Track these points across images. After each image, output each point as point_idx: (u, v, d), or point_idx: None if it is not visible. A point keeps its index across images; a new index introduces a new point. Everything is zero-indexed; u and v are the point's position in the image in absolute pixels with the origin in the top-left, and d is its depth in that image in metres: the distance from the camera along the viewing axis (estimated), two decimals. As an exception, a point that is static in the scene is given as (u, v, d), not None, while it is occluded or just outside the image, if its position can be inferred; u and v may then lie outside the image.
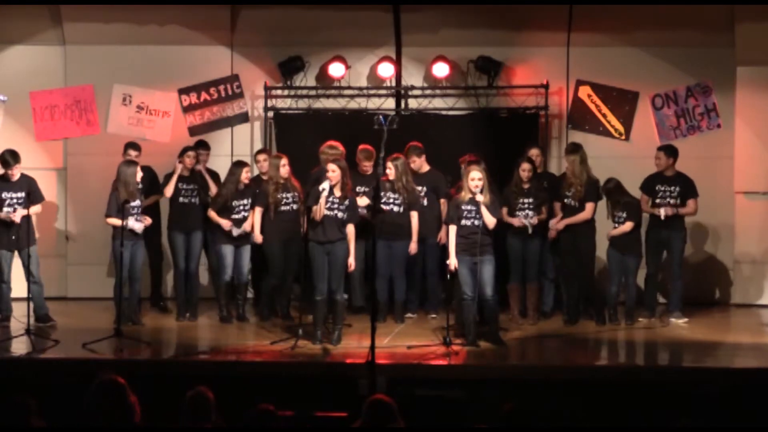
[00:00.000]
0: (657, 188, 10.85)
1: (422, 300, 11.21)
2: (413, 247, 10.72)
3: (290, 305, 10.80)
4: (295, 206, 10.49)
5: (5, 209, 10.26)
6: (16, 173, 10.38)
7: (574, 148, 10.75)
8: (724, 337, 10.32)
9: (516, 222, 10.46)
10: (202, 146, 11.44)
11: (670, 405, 8.07)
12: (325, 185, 9.47)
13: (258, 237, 10.53)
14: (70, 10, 12.18)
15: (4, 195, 10.34)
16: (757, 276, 12.08)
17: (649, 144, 11.98)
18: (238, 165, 10.75)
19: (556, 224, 10.59)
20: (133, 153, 11.00)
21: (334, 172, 9.57)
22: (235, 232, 10.54)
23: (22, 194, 10.30)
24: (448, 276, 9.55)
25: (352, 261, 9.60)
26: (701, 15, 11.92)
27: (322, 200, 9.46)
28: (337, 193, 9.56)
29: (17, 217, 10.21)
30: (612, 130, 12.28)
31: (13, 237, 10.20)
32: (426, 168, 11.05)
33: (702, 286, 12.19)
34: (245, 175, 10.63)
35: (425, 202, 10.92)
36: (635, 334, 10.37)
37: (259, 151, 11.45)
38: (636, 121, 12.30)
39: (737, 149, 12.10)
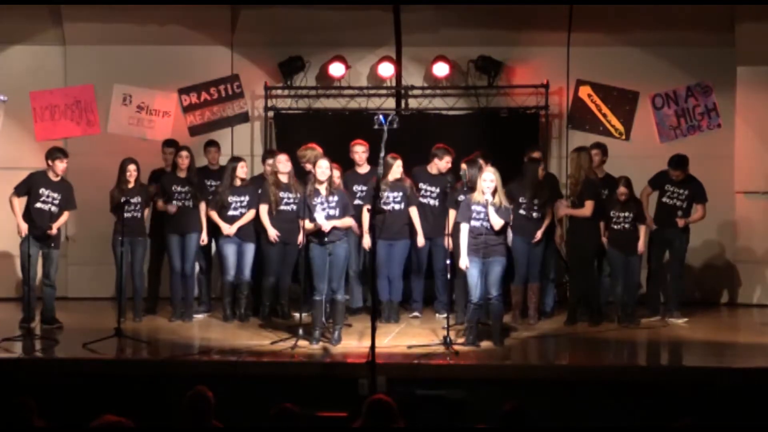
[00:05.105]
0: (666, 187, 10.84)
1: (430, 300, 11.18)
2: (420, 240, 10.67)
3: (290, 305, 10.80)
4: (294, 207, 10.45)
5: (40, 205, 10.22)
6: (59, 168, 10.27)
7: (577, 149, 10.76)
8: (725, 337, 10.31)
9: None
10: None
11: (670, 405, 8.07)
12: (320, 219, 9.46)
13: (271, 234, 10.47)
14: (70, 10, 12.19)
15: (42, 191, 10.27)
16: (757, 276, 12.07)
17: (650, 144, 11.99)
18: (232, 161, 10.79)
19: (559, 212, 10.63)
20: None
21: (328, 170, 9.56)
22: (230, 230, 10.59)
23: (58, 195, 10.30)
24: (448, 276, 9.52)
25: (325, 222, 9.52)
26: (701, 15, 11.93)
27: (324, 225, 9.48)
28: (323, 192, 9.55)
29: (53, 230, 10.26)
30: (612, 130, 12.28)
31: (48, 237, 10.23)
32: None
33: (702, 286, 12.21)
34: (240, 171, 10.64)
35: (437, 202, 10.84)
36: (635, 334, 10.35)
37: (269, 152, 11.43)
38: (636, 120, 12.31)
39: (737, 149, 12.11)
